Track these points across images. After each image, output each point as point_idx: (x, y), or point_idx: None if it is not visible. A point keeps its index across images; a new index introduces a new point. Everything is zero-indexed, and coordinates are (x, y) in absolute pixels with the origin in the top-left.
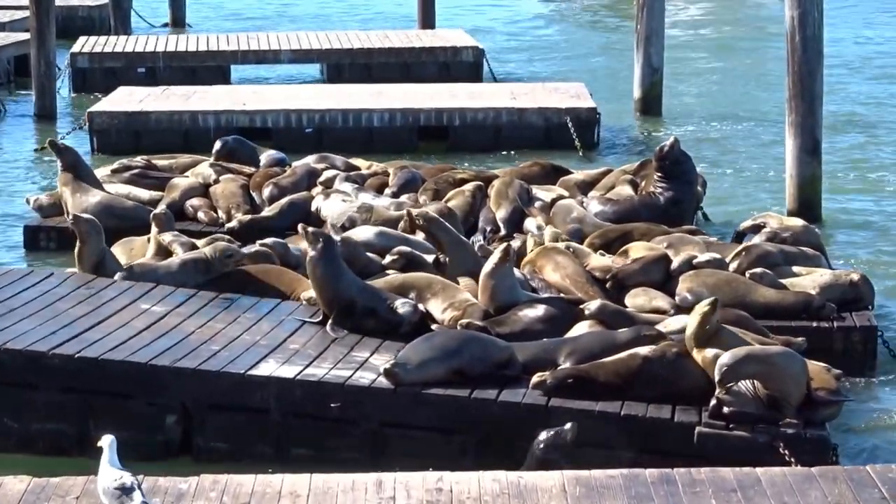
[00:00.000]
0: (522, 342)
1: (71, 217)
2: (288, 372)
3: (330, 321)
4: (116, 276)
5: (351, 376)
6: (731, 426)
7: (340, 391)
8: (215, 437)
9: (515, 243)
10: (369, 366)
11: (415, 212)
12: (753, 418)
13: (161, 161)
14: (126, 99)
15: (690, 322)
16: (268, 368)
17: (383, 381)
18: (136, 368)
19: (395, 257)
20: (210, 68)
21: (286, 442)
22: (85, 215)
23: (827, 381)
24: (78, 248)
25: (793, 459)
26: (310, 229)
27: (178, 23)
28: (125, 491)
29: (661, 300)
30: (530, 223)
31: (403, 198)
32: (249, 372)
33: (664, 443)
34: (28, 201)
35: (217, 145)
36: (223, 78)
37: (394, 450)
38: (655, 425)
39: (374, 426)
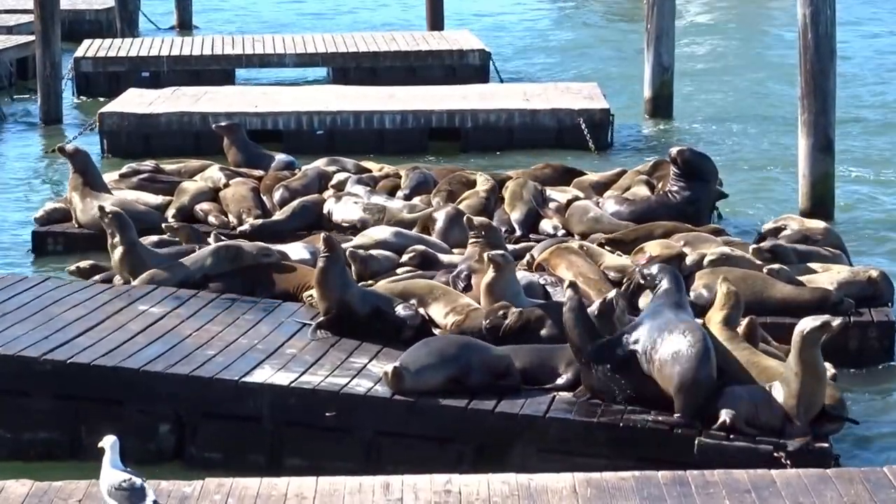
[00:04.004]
0: (520, 346)
1: (98, 211)
2: (283, 379)
3: (314, 325)
4: (143, 276)
5: (347, 384)
6: (731, 437)
7: (335, 399)
8: (208, 446)
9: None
10: (367, 373)
11: (475, 220)
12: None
13: (170, 165)
14: (136, 100)
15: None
16: (262, 375)
17: (379, 390)
18: (127, 375)
19: (412, 255)
20: (214, 72)
21: (279, 452)
22: (111, 207)
23: (833, 395)
24: (109, 243)
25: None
26: (324, 235)
27: (184, 25)
28: (134, 491)
29: None
30: (546, 224)
31: (416, 199)
32: (243, 379)
33: (664, 453)
34: (36, 221)
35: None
36: (228, 82)
37: (389, 459)
38: (656, 436)
39: (370, 435)
